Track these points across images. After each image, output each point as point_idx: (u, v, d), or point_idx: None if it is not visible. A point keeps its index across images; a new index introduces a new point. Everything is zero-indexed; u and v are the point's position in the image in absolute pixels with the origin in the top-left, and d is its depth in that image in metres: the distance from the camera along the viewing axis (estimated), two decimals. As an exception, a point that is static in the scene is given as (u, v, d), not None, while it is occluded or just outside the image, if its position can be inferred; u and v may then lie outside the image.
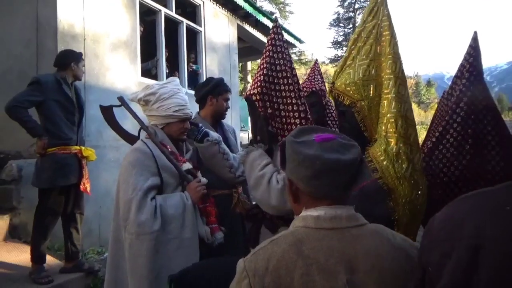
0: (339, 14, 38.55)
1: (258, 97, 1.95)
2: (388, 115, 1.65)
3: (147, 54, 6.33)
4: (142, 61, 5.97)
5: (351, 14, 37.65)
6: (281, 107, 1.98)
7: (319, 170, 1.01)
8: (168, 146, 2.12)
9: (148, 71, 6.26)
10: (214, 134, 2.24)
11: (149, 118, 2.18)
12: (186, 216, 2.00)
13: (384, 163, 1.61)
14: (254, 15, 8.50)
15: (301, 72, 34.27)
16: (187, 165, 2.16)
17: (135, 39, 5.65)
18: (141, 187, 1.91)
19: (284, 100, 1.98)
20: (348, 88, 1.80)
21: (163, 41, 6.32)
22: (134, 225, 1.87)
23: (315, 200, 1.06)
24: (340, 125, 1.96)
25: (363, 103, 1.76)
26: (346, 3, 37.63)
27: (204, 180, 2.16)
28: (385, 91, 1.69)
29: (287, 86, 1.99)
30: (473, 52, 1.95)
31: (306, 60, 36.89)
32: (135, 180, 1.93)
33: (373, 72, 1.78)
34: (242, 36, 8.97)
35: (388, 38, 1.78)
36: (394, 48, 1.76)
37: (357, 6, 37.20)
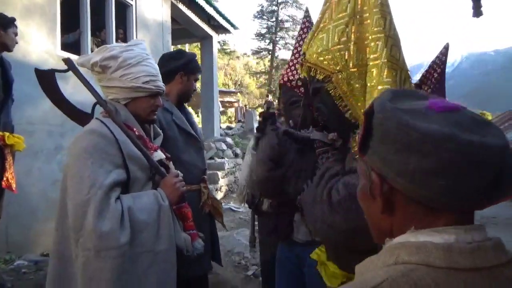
0: (262, 7, 38.72)
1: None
2: (380, 87, 1.26)
3: (68, 26, 5.41)
4: (63, 33, 5.08)
5: (275, 7, 38.05)
6: None
7: (450, 161, 0.60)
8: (134, 129, 1.60)
9: (70, 46, 5.35)
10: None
11: (106, 91, 1.63)
12: (161, 222, 1.51)
13: None
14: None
15: (224, 62, 33.75)
16: (159, 154, 1.65)
17: (54, 5, 4.75)
18: (102, 184, 1.38)
19: None
20: (321, 58, 1.41)
21: (88, 11, 5.44)
22: (93, 237, 1.34)
23: (431, 214, 0.65)
24: (315, 108, 1.55)
25: (340, 76, 1.36)
26: (269, -4, 37.96)
27: (179, 173, 1.68)
28: (372, 56, 1.32)
29: None
30: (442, 65, 2.07)
31: (229, 50, 36.47)
32: (92, 174, 1.39)
33: (352, 34, 1.38)
34: (176, 17, 8.27)
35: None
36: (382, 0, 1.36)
37: (280, 0, 37.69)
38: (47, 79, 1.58)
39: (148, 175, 1.59)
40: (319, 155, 1.46)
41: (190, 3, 8.37)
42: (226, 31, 10.22)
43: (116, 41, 6.19)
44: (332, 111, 1.41)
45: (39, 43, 4.56)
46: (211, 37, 9.99)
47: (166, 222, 1.52)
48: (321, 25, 1.46)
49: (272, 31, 38.02)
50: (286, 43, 38.12)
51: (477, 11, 4.84)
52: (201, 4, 8.33)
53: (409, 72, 1.36)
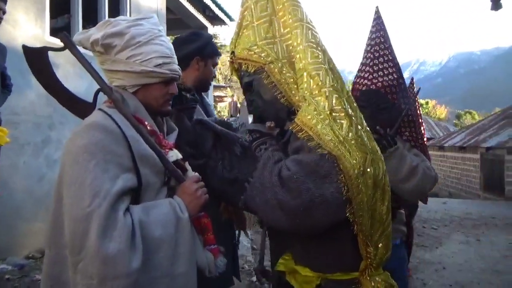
0: None
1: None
2: (309, 68, 1.36)
3: (58, 10, 5.04)
4: (52, 18, 4.70)
5: None
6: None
7: None
8: (146, 122, 1.30)
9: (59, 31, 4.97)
10: None
11: (110, 77, 1.33)
12: (180, 238, 1.21)
13: (319, 126, 1.28)
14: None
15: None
16: (175, 154, 1.35)
17: (42, -14, 4.38)
18: (107, 193, 1.08)
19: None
20: (251, 52, 1.49)
21: (80, -5, 5.07)
22: (96, 261, 1.04)
23: None
24: (248, 102, 1.63)
25: (272, 66, 1.45)
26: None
27: (199, 177, 1.38)
28: (295, 43, 1.43)
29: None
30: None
31: (220, 44, 35.83)
32: (95, 180, 1.09)
33: (277, 30, 1.50)
34: (171, 6, 7.90)
35: None
36: None
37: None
38: (38, 59, 1.27)
39: (162, 179, 1.29)
40: (257, 146, 1.48)
41: (187, -9, 8.01)
42: (221, 22, 9.84)
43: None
44: (266, 102, 1.50)
45: (26, 27, 4.20)
46: (206, 28, 9.60)
47: (186, 238, 1.23)
48: (244, 24, 1.55)
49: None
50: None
51: (496, 4, 4.66)
52: (198, -7, 7.97)
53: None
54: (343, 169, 1.23)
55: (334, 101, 1.32)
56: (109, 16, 5.71)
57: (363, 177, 1.25)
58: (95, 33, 1.27)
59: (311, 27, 1.44)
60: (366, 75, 2.07)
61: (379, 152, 1.38)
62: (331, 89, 1.33)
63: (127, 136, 1.19)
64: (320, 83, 1.33)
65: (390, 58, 2.05)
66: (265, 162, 1.38)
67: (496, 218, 8.37)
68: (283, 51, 1.47)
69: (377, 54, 2.06)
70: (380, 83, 2.01)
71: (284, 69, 1.45)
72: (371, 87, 2.03)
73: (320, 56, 1.38)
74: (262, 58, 1.47)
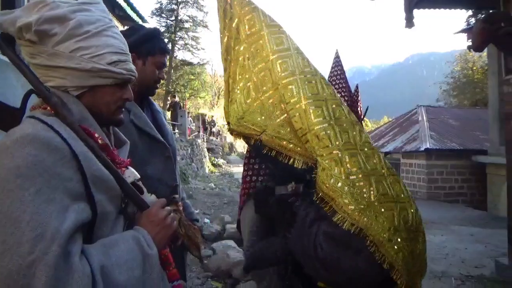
0: (162, 4, 37.11)
1: None
2: (315, 128, 1.27)
3: None
4: None
5: (174, 6, 36.78)
6: None
7: None
8: (96, 135, 1.01)
9: None
10: None
11: (44, 73, 1.00)
12: (147, 280, 0.96)
13: (339, 199, 1.21)
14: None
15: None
16: (132, 173, 1.09)
17: None
18: (56, 232, 0.79)
19: None
20: (243, 125, 1.47)
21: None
22: None
23: None
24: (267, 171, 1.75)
25: (265, 136, 1.41)
26: (169, -5, 36.55)
27: (163, 201, 1.13)
28: (291, 101, 1.32)
29: None
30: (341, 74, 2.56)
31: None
32: (36, 215, 0.79)
33: (260, 89, 1.43)
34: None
35: (263, 36, 1.47)
36: (278, 44, 1.44)
37: (180, -1, 36.62)
38: None
39: (118, 206, 1.02)
40: (296, 208, 1.47)
41: None
42: (133, 22, 9.25)
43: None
44: (278, 166, 1.49)
45: None
46: (115, 28, 8.96)
47: (155, 279, 0.97)
48: (231, 95, 1.53)
49: (171, 30, 36.66)
50: (185, 44, 37.12)
51: (410, 22, 5.06)
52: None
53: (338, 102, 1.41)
54: (373, 239, 1.19)
55: (348, 164, 1.24)
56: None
57: (395, 236, 1.19)
58: (25, 15, 0.95)
59: (310, 79, 1.36)
60: None
61: (409, 198, 1.33)
62: (342, 148, 1.25)
63: (76, 152, 0.90)
64: (329, 145, 1.25)
65: (344, 85, 2.56)
66: (303, 220, 1.39)
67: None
68: (273, 110, 1.40)
69: (334, 83, 2.50)
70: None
71: (281, 129, 1.38)
72: None
73: (324, 111, 1.29)
74: (254, 130, 1.44)
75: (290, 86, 1.33)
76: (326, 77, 2.49)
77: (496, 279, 4.44)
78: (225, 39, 1.62)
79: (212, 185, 12.45)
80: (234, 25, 1.59)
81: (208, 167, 17.62)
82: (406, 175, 12.47)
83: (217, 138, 26.42)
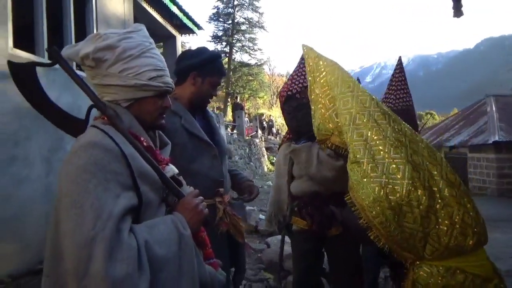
0: (218, 9, 38.26)
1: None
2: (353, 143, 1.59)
3: (19, 21, 4.83)
4: (15, 29, 4.50)
5: (231, 10, 37.72)
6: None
7: None
8: (142, 138, 1.26)
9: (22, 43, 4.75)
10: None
11: (101, 91, 1.28)
12: (183, 256, 1.18)
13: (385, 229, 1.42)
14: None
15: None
16: (172, 169, 1.33)
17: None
18: (111, 214, 1.04)
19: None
20: (322, 132, 1.80)
21: (44, 3, 4.88)
22: (103, 285, 0.99)
23: None
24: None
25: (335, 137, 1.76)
26: (225, -1, 37.55)
27: (197, 191, 1.36)
28: (374, 137, 1.55)
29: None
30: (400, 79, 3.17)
31: (187, 52, 35.56)
32: (97, 201, 1.04)
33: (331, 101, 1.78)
34: (138, 15, 7.77)
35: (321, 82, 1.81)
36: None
37: (236, 2, 37.43)
38: (24, 75, 1.20)
39: (160, 196, 1.26)
40: None
41: (153, 0, 7.92)
42: (190, 31, 9.79)
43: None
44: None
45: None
46: (174, 37, 9.53)
47: (189, 255, 1.20)
48: (313, 107, 1.86)
49: (228, 33, 37.65)
50: (243, 46, 37.94)
51: (458, 12, 4.89)
52: (164, 2, 7.89)
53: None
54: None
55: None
56: (75, 28, 5.54)
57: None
58: (85, 47, 1.22)
59: (379, 123, 1.58)
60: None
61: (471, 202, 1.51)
62: (410, 181, 1.42)
63: (125, 153, 1.15)
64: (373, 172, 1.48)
65: (406, 91, 3.09)
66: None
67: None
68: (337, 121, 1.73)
69: (397, 88, 3.08)
70: (399, 105, 2.99)
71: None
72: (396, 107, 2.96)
73: (403, 151, 1.49)
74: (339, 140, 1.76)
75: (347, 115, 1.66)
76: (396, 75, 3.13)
77: None
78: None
79: (270, 183, 12.70)
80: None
81: (267, 165, 17.92)
82: (473, 170, 11.75)
83: (276, 138, 26.68)
